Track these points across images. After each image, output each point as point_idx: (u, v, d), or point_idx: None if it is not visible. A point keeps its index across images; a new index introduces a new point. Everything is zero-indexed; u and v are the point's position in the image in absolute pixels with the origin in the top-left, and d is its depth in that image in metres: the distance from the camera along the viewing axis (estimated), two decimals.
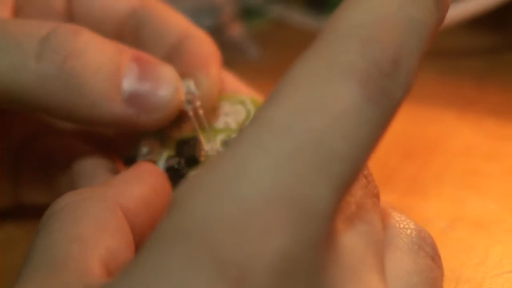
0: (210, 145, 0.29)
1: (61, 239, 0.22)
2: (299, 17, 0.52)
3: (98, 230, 0.23)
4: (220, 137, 0.29)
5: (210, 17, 0.45)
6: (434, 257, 0.25)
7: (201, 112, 0.29)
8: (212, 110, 0.30)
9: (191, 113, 0.29)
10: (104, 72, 0.27)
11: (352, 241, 0.21)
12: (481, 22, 0.46)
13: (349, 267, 0.20)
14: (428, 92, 0.44)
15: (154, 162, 0.28)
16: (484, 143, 0.39)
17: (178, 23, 0.32)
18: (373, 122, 0.20)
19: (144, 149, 0.29)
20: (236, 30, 0.48)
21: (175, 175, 0.28)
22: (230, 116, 0.30)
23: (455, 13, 0.45)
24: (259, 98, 0.31)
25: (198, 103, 0.29)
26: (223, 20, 0.47)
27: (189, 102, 0.29)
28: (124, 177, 0.26)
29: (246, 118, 0.30)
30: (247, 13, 0.50)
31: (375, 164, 0.25)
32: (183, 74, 0.29)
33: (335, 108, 0.20)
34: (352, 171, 0.20)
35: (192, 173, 0.28)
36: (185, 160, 0.28)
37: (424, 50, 0.22)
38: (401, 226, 0.25)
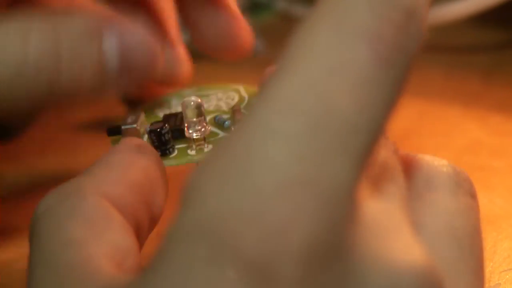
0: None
1: (55, 248, 0.21)
2: (305, 11, 0.52)
3: (90, 227, 0.22)
4: (210, 116, 0.29)
5: None
6: (472, 193, 0.23)
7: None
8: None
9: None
10: (90, 66, 0.27)
11: (379, 206, 0.20)
12: (487, 18, 0.46)
13: (379, 235, 0.19)
14: (434, 88, 0.44)
15: (136, 127, 0.28)
16: (490, 138, 0.39)
17: None
18: (389, 84, 0.19)
19: (129, 119, 0.28)
20: None
21: (158, 139, 0.27)
22: (222, 101, 0.30)
23: (461, 8, 0.44)
24: (253, 87, 0.31)
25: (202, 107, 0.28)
26: None
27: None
28: (105, 162, 0.24)
29: (238, 102, 0.30)
30: (253, 7, 0.50)
31: None
32: None
33: (346, 77, 0.18)
34: (371, 140, 0.19)
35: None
36: (171, 130, 0.27)
37: None
38: (437, 165, 0.23)
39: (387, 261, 0.19)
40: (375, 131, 0.19)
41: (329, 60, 0.19)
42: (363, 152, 0.18)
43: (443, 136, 0.40)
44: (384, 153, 0.22)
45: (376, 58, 0.19)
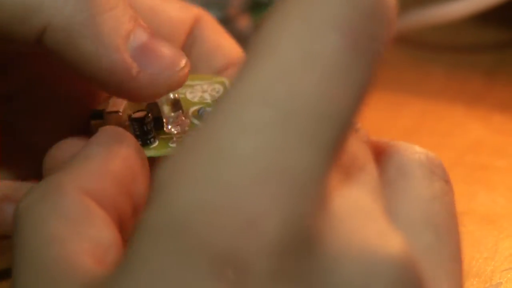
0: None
1: (37, 246, 0.21)
2: None
3: (71, 224, 0.22)
4: (194, 108, 0.28)
5: (218, 10, 0.45)
6: (446, 178, 0.23)
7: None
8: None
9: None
10: (117, 13, 0.26)
11: (351, 195, 0.20)
12: (489, 17, 0.46)
13: (352, 224, 0.19)
14: (436, 87, 0.44)
15: (120, 113, 0.27)
16: (492, 138, 0.39)
17: (229, 48, 0.31)
18: (359, 73, 0.19)
19: (112, 105, 0.27)
20: (244, 23, 0.47)
21: (140, 129, 0.27)
22: (207, 93, 0.30)
23: (463, 8, 0.44)
24: None
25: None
26: (231, 13, 0.47)
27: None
28: (84, 155, 0.24)
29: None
30: (255, 6, 0.50)
31: None
32: None
33: (317, 66, 0.18)
34: (342, 130, 0.18)
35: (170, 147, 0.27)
36: (153, 119, 0.27)
37: None
38: (408, 152, 0.23)
39: (361, 249, 0.18)
40: (346, 121, 0.19)
41: (300, 49, 0.18)
42: (334, 143, 0.18)
43: (445, 135, 0.40)
44: (354, 143, 0.22)
45: (347, 47, 0.18)
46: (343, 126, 0.19)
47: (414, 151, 0.23)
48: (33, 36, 0.26)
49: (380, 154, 0.23)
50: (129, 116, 0.27)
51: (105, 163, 0.24)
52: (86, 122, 0.28)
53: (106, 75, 0.26)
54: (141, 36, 0.26)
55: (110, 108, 0.27)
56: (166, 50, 0.26)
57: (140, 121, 0.27)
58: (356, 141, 0.22)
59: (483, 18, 0.46)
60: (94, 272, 0.20)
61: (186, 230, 0.17)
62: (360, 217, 0.19)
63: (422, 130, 0.40)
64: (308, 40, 0.18)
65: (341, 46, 0.18)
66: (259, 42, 0.19)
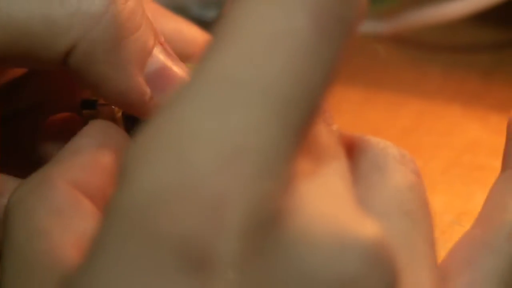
0: None
1: (22, 238, 0.21)
2: None
3: (57, 217, 0.22)
4: None
5: (216, 8, 0.45)
6: (417, 172, 0.23)
7: None
8: None
9: None
10: (141, 34, 0.26)
11: (320, 179, 0.20)
12: (487, 17, 0.46)
13: (322, 206, 0.19)
14: (433, 87, 0.44)
15: (114, 110, 0.27)
16: (490, 138, 0.39)
17: None
18: (327, 55, 0.19)
19: None
20: None
21: (133, 125, 0.27)
22: None
23: (461, 8, 0.44)
24: None
25: None
26: None
27: None
28: (74, 147, 0.24)
29: None
30: None
31: None
32: None
33: (284, 47, 0.18)
34: (309, 113, 0.18)
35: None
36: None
37: None
38: (381, 147, 0.23)
39: (330, 231, 0.18)
40: (313, 102, 0.19)
41: (267, 30, 0.18)
42: (300, 123, 0.18)
43: (442, 135, 0.40)
44: (325, 134, 0.22)
45: (315, 27, 0.18)
46: (309, 106, 0.18)
47: (387, 146, 0.23)
48: (61, 57, 0.25)
49: (352, 149, 0.23)
50: (123, 112, 0.27)
51: (94, 155, 0.24)
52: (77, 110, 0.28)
53: (120, 97, 0.26)
54: (157, 60, 0.26)
55: (103, 100, 0.27)
56: (179, 71, 0.27)
57: (135, 120, 0.27)
58: (328, 133, 0.22)
59: (481, 18, 0.46)
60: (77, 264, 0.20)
61: (148, 219, 0.17)
62: (330, 200, 0.19)
63: (420, 130, 0.40)
64: (275, 20, 0.18)
65: (308, 27, 0.18)
66: (226, 23, 0.19)
